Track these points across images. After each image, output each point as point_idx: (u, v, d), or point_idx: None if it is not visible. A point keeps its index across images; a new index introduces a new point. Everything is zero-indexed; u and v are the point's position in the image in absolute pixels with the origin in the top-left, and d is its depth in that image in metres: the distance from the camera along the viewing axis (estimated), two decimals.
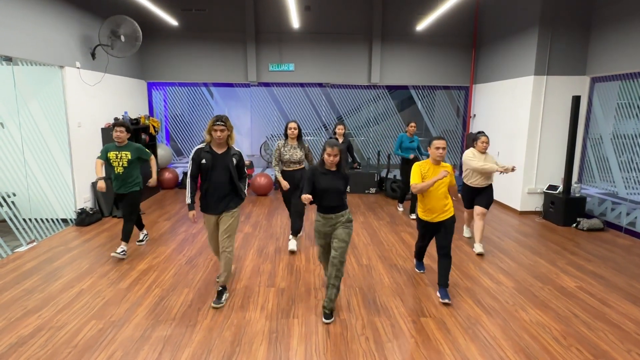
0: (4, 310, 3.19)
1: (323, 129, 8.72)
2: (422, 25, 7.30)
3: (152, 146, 7.53)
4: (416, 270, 4.09)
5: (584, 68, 6.06)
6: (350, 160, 6.04)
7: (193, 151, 3.29)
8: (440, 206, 3.44)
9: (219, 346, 2.74)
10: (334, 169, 3.15)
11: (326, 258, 3.38)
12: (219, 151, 3.27)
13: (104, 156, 4.22)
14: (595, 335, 2.93)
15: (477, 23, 7.80)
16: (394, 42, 7.97)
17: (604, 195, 5.87)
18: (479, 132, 4.61)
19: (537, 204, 6.43)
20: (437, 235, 3.52)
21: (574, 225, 5.72)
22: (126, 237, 4.32)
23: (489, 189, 4.61)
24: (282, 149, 4.55)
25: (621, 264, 4.37)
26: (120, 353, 2.65)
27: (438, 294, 3.49)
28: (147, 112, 8.05)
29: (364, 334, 2.91)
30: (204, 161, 3.22)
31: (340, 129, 5.79)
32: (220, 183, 3.26)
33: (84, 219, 5.49)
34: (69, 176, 5.55)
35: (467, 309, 3.32)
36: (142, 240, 4.81)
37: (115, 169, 4.22)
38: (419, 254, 4.04)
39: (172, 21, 7.06)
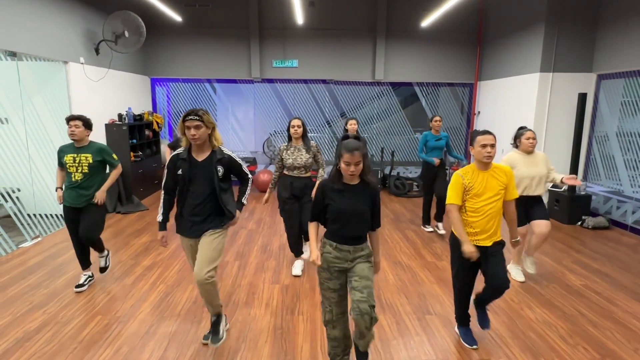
0: (10, 305, 3.19)
1: (327, 126, 8.70)
2: (426, 22, 7.26)
3: (156, 142, 7.53)
4: (463, 342, 2.78)
5: (591, 65, 6.01)
6: None
7: (169, 158, 2.60)
8: (491, 227, 2.56)
9: (225, 343, 2.74)
10: (355, 182, 2.22)
11: (341, 311, 2.31)
12: (200, 157, 2.51)
13: (61, 161, 3.40)
14: (602, 334, 2.92)
15: (482, 19, 7.74)
16: (398, 38, 7.93)
17: (610, 193, 5.84)
18: (522, 128, 3.66)
19: None
20: (484, 265, 2.60)
21: (579, 223, 5.69)
22: (86, 263, 3.57)
23: (541, 199, 3.72)
24: (284, 153, 3.82)
25: (627, 262, 4.34)
26: (127, 349, 2.65)
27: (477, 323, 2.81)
28: (150, 108, 8.05)
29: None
30: (180, 171, 2.51)
31: (352, 125, 4.97)
32: (199, 199, 2.51)
33: None
34: None
35: (472, 307, 3.30)
36: (82, 285, 3.49)
37: (73, 175, 3.33)
38: (463, 306, 2.79)
39: (176, 17, 7.04)
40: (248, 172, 2.77)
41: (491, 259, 2.57)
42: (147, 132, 7.16)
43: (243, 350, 2.66)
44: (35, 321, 2.97)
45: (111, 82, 6.47)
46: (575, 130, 5.84)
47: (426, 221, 5.34)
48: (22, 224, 4.69)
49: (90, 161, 3.35)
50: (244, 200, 2.76)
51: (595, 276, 3.95)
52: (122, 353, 2.60)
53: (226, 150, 2.61)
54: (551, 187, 6.16)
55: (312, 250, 2.21)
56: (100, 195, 3.38)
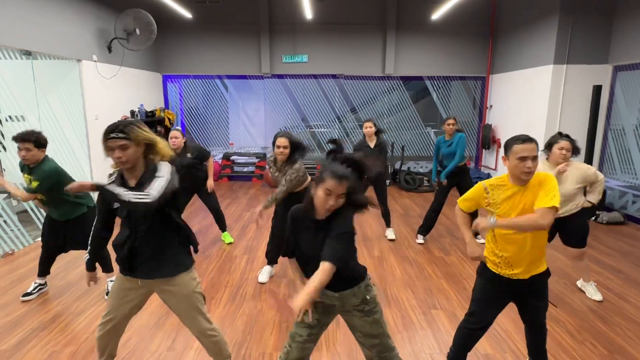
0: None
1: (337, 121, 8.69)
2: (437, 14, 7.16)
3: (166, 138, 7.64)
4: None
5: (606, 56, 5.86)
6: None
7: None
8: (530, 259, 2.00)
9: (231, 334, 2.79)
10: (323, 215, 1.69)
11: (299, 357, 1.83)
12: (133, 182, 1.89)
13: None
14: (612, 330, 2.87)
15: (494, 11, 7.60)
16: (409, 32, 7.85)
17: (626, 187, 5.70)
18: (559, 134, 3.09)
19: None
20: (520, 303, 2.16)
21: (593, 218, 5.58)
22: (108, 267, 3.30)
23: (577, 217, 3.18)
24: (271, 168, 3.41)
25: None
26: (136, 339, 2.72)
27: None
28: (162, 105, 8.16)
29: None
30: (115, 205, 1.95)
31: (368, 127, 4.37)
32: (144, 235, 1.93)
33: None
34: (87, 168, 5.69)
35: None
36: (30, 294, 3.27)
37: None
38: (464, 344, 2.25)
39: (186, 13, 7.11)
40: (181, 222, 2.03)
41: (528, 299, 2.10)
42: (159, 129, 7.28)
43: (249, 342, 2.70)
44: (50, 312, 3.08)
45: (123, 79, 6.58)
46: (590, 124, 5.72)
47: (423, 230, 4.67)
48: (38, 219, 4.83)
49: (35, 186, 2.90)
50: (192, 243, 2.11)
51: (608, 272, 3.88)
52: (132, 343, 2.68)
53: (165, 170, 1.90)
54: None
55: (299, 298, 1.50)
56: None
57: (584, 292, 3.42)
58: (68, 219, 3.11)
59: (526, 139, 1.93)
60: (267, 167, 3.44)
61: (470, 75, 8.11)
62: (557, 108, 6.02)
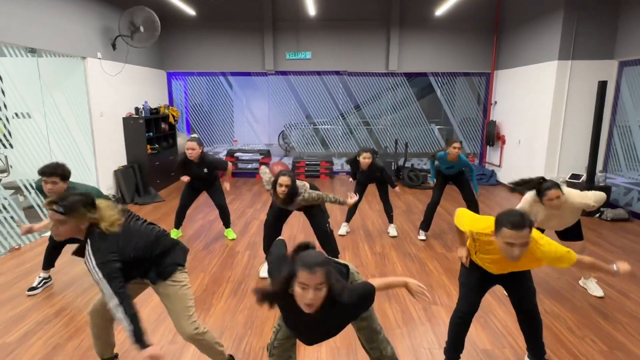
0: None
1: (340, 118, 8.69)
2: (441, 10, 7.13)
3: (172, 135, 7.69)
4: None
5: (612, 51, 5.80)
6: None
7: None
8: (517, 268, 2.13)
9: (232, 328, 2.82)
10: (310, 311, 1.48)
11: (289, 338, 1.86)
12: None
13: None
14: (612, 327, 2.86)
15: (499, 6, 7.55)
16: (413, 28, 7.81)
17: (631, 184, 5.65)
18: (544, 181, 2.79)
19: None
20: (510, 290, 2.29)
21: (597, 215, 5.54)
22: None
23: (574, 226, 3.20)
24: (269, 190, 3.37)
25: None
26: None
27: None
28: (167, 102, 8.21)
29: None
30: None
31: (365, 159, 4.34)
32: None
33: None
34: (92, 164, 5.76)
35: None
36: (35, 288, 3.35)
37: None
38: (458, 336, 2.30)
39: (190, 11, 7.13)
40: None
41: (515, 281, 2.20)
42: (163, 125, 7.32)
43: (249, 336, 2.73)
44: (54, 306, 3.13)
45: (128, 76, 6.62)
46: (595, 120, 5.66)
47: (425, 226, 4.66)
48: (44, 215, 4.90)
49: None
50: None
51: None
52: None
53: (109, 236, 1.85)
54: (569, 178, 6.02)
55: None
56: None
57: (585, 289, 3.41)
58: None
59: (517, 224, 1.79)
60: (264, 185, 3.46)
61: (475, 72, 8.06)
62: (562, 104, 5.98)
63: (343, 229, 4.82)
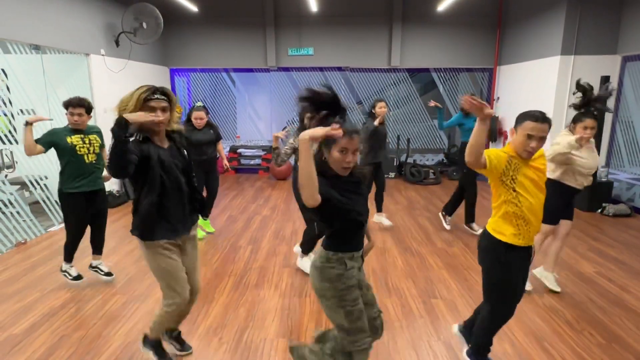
0: (39, 283, 3.42)
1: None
2: (443, 5, 7.10)
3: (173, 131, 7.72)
4: None
5: (615, 46, 5.77)
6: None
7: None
8: (539, 219, 2.06)
9: (233, 321, 2.86)
10: (346, 174, 1.76)
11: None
12: (165, 144, 2.15)
13: (53, 143, 3.10)
14: (610, 320, 2.88)
15: (502, 1, 7.51)
16: (415, 23, 7.79)
17: (634, 180, 5.64)
18: (583, 114, 2.91)
19: None
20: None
21: (599, 210, 5.54)
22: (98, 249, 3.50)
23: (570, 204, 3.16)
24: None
25: None
26: (142, 325, 2.81)
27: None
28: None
29: None
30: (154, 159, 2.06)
31: (381, 108, 4.43)
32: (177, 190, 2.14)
33: (111, 201, 5.74)
34: None
35: (479, 292, 3.30)
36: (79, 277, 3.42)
37: (85, 157, 3.14)
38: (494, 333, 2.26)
39: (192, 7, 7.15)
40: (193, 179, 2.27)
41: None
42: None
43: (250, 329, 2.78)
44: (60, 298, 3.18)
45: (131, 72, 6.66)
46: (598, 115, 5.64)
47: (470, 219, 4.64)
48: (50, 210, 4.96)
49: (100, 141, 3.28)
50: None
51: (611, 264, 3.87)
52: (138, 329, 2.77)
53: (177, 130, 2.24)
54: None
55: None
56: (107, 176, 3.31)
57: (585, 285, 3.43)
58: (100, 187, 3.31)
59: (540, 118, 1.91)
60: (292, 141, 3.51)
61: (478, 67, 8.03)
62: (565, 99, 5.96)
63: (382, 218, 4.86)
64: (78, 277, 3.39)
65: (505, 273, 2.07)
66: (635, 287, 3.40)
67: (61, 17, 5.03)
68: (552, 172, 3.01)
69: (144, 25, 6.15)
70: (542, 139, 1.93)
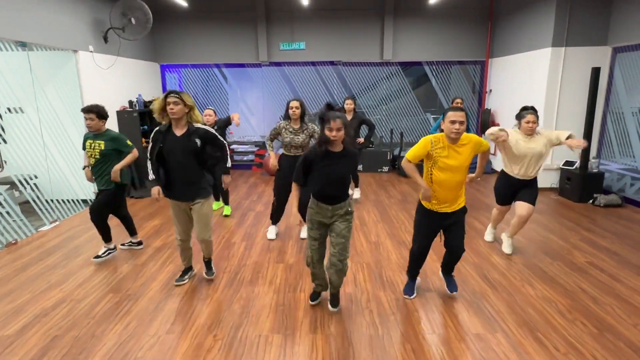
0: (30, 284, 3.39)
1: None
2: None
3: None
4: (404, 296, 3.11)
5: (605, 38, 5.79)
6: (362, 140, 5.44)
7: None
8: (453, 197, 2.75)
9: (228, 317, 2.85)
10: (338, 149, 2.58)
11: (319, 257, 2.80)
12: (179, 133, 2.96)
13: (84, 146, 3.68)
14: (602, 310, 2.92)
15: None
16: (407, 16, 7.77)
17: (624, 170, 5.69)
18: (524, 109, 3.60)
19: (553, 180, 6.30)
20: (445, 231, 2.89)
21: (591, 201, 5.59)
22: (106, 237, 3.85)
23: (534, 182, 3.72)
24: (283, 130, 4.06)
25: (638, 240, 4.27)
26: (135, 324, 2.79)
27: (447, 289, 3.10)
28: (161, 95, 8.15)
29: (368, 307, 2.98)
30: (161, 144, 3.00)
31: (349, 104, 5.31)
32: (183, 169, 3.01)
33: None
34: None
35: (473, 284, 3.34)
36: (99, 256, 3.82)
37: (89, 159, 3.65)
38: (417, 264, 3.05)
39: (182, 2, 7.06)
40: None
41: (452, 227, 2.84)
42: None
43: (245, 325, 2.77)
44: (52, 299, 3.15)
45: (121, 69, 6.58)
46: (588, 106, 5.68)
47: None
48: (40, 209, 4.91)
49: (102, 148, 3.58)
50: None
51: (602, 254, 3.91)
52: (132, 327, 2.75)
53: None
54: (562, 164, 6.05)
55: (293, 205, 2.56)
56: (113, 174, 3.60)
57: (577, 275, 3.46)
58: (99, 189, 3.71)
59: (458, 109, 2.60)
60: (274, 130, 4.15)
61: (470, 60, 8.03)
62: (556, 91, 5.99)
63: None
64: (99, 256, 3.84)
65: (417, 221, 2.95)
66: (626, 276, 3.44)
67: (47, 13, 4.94)
68: (500, 163, 3.81)
69: (133, 20, 6.06)
70: (462, 123, 2.56)
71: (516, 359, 2.40)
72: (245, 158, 8.38)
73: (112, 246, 3.91)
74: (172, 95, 2.84)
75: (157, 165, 3.01)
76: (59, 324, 2.80)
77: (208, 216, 3.15)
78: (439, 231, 2.91)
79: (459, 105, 5.03)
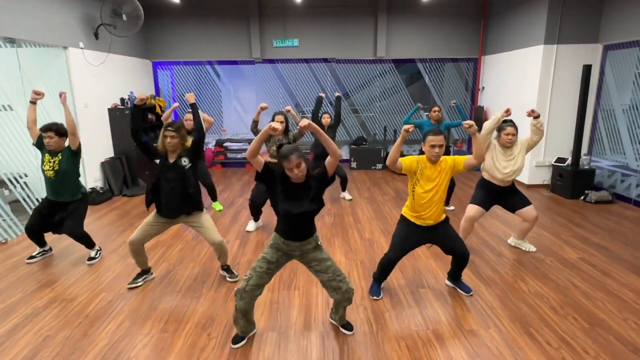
0: (20, 284, 3.34)
1: (329, 106, 8.65)
2: None
3: (159, 126, 7.59)
4: (372, 297, 3.06)
5: (597, 35, 5.84)
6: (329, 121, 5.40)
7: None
8: (435, 211, 2.84)
9: (222, 316, 2.84)
10: (300, 180, 2.25)
11: (257, 285, 2.38)
12: (171, 159, 3.10)
13: (38, 141, 3.58)
14: (593, 305, 2.95)
15: None
16: (400, 13, 7.77)
17: (614, 167, 5.76)
18: (505, 122, 3.56)
19: (545, 177, 6.35)
20: (440, 243, 2.94)
21: (582, 198, 5.65)
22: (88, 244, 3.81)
23: (514, 186, 3.75)
24: (269, 141, 4.35)
25: (628, 235, 4.33)
26: (128, 323, 2.77)
27: (460, 290, 3.15)
28: (153, 92, 8.09)
29: (362, 305, 2.98)
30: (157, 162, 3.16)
31: (326, 118, 5.39)
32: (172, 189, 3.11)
33: (95, 198, 5.64)
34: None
35: (466, 280, 3.35)
36: (94, 258, 3.81)
37: (46, 172, 3.49)
38: (385, 272, 3.04)
39: None
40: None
41: (446, 238, 2.92)
42: (150, 116, 7.23)
43: None
44: (43, 298, 3.12)
45: (112, 66, 6.50)
46: (580, 104, 5.73)
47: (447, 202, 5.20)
48: (31, 208, 4.84)
49: (59, 166, 3.50)
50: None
51: (594, 249, 3.96)
52: (125, 327, 2.73)
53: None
54: (554, 161, 6.11)
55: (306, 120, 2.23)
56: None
57: (569, 271, 3.50)
58: (67, 200, 3.61)
59: (437, 132, 2.71)
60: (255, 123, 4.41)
61: (462, 57, 8.06)
62: (548, 88, 6.03)
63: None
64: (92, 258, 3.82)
65: (397, 231, 3.01)
66: (617, 271, 3.48)
67: (37, 8, 4.86)
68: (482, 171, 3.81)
69: (124, 17, 5.99)
70: (441, 146, 2.69)
71: (509, 354, 2.42)
72: (238, 156, 8.35)
73: (48, 247, 3.96)
74: (168, 129, 2.99)
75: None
76: (50, 324, 2.77)
77: (211, 220, 3.30)
78: (417, 246, 2.98)
79: (437, 113, 5.15)
